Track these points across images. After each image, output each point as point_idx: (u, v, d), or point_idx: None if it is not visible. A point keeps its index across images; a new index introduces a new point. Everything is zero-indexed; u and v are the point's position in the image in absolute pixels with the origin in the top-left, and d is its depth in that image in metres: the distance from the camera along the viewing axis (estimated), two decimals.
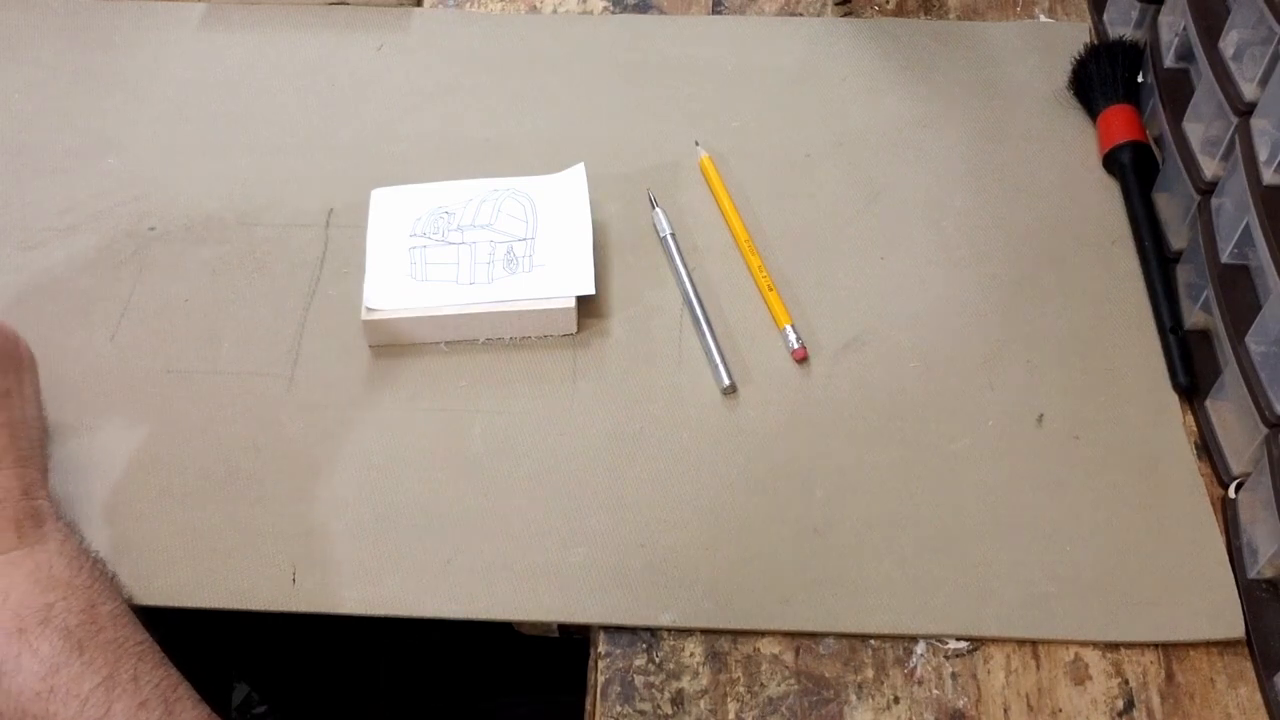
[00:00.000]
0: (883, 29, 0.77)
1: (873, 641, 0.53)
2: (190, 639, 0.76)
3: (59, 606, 0.48)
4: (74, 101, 0.73)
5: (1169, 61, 0.66)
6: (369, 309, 0.61)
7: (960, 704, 0.51)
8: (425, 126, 0.72)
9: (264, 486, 0.57)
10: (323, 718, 0.88)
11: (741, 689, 0.51)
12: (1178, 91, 0.64)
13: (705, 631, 0.53)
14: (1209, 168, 0.60)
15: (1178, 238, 0.64)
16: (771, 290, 0.63)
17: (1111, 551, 0.54)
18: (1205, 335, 0.61)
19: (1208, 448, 0.58)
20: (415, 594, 0.54)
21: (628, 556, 0.54)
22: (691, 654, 0.52)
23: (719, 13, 0.79)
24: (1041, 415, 0.59)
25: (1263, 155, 0.53)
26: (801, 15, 0.78)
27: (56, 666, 0.47)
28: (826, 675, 0.52)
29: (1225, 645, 0.52)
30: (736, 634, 0.53)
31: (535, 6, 0.79)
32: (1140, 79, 0.70)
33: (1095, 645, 0.53)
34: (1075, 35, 0.76)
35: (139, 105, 0.73)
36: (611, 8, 0.79)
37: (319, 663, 0.84)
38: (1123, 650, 0.52)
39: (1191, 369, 0.60)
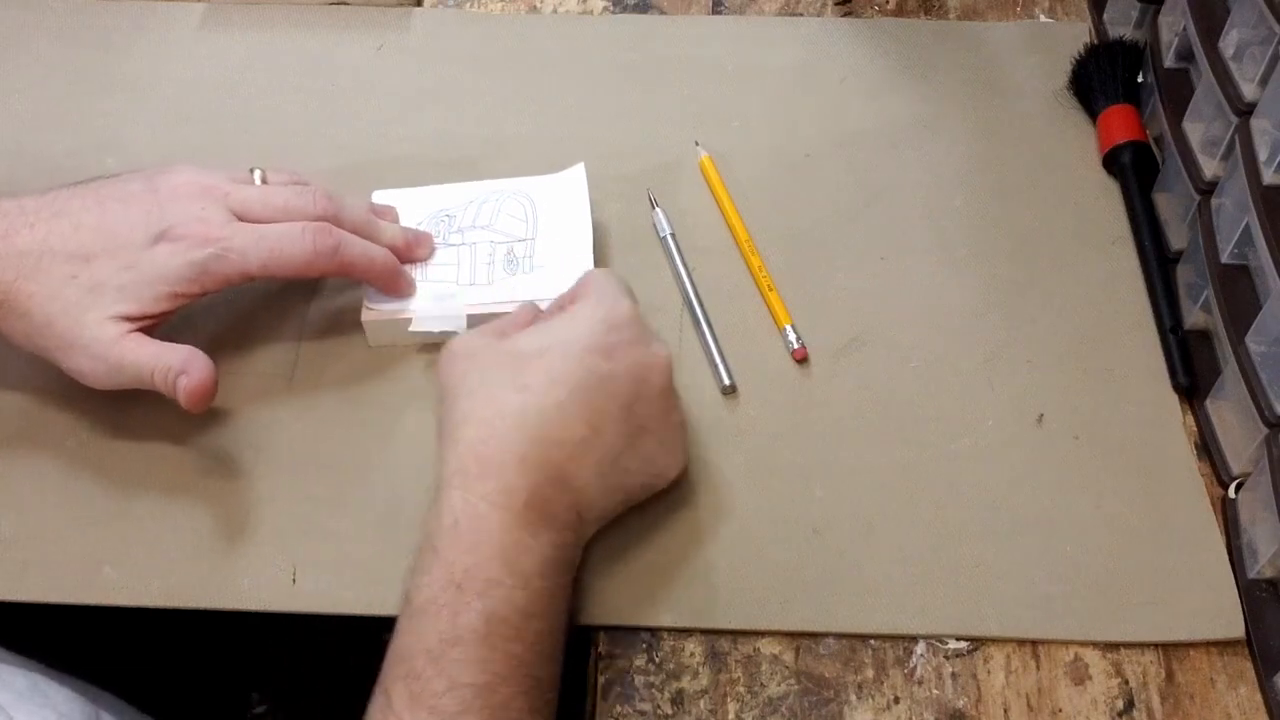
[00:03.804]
0: (883, 29, 0.77)
1: (873, 641, 0.53)
2: (203, 644, 0.77)
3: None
4: (74, 101, 0.73)
5: (1169, 61, 0.66)
6: (369, 309, 0.61)
7: (960, 704, 0.51)
8: (425, 126, 0.72)
9: (264, 486, 0.57)
10: (322, 718, 0.88)
11: (741, 689, 0.51)
12: (1178, 91, 0.64)
13: (705, 631, 0.53)
14: (1209, 168, 0.60)
15: (1178, 238, 0.64)
16: (771, 290, 0.63)
17: (1111, 551, 0.54)
18: (1205, 335, 0.61)
19: (1208, 448, 0.58)
20: None
21: (629, 556, 0.54)
22: (691, 654, 0.52)
23: (719, 13, 0.79)
24: (1041, 415, 0.59)
25: (1263, 155, 0.53)
26: (801, 15, 0.78)
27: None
28: (826, 675, 0.52)
29: (1225, 645, 0.52)
30: (736, 634, 0.53)
31: (535, 6, 0.79)
32: (1140, 79, 0.70)
33: (1095, 645, 0.53)
34: (1075, 35, 0.76)
35: (139, 105, 0.73)
36: (611, 8, 0.79)
37: (319, 663, 0.84)
38: (1123, 650, 0.52)
39: (1191, 369, 0.60)
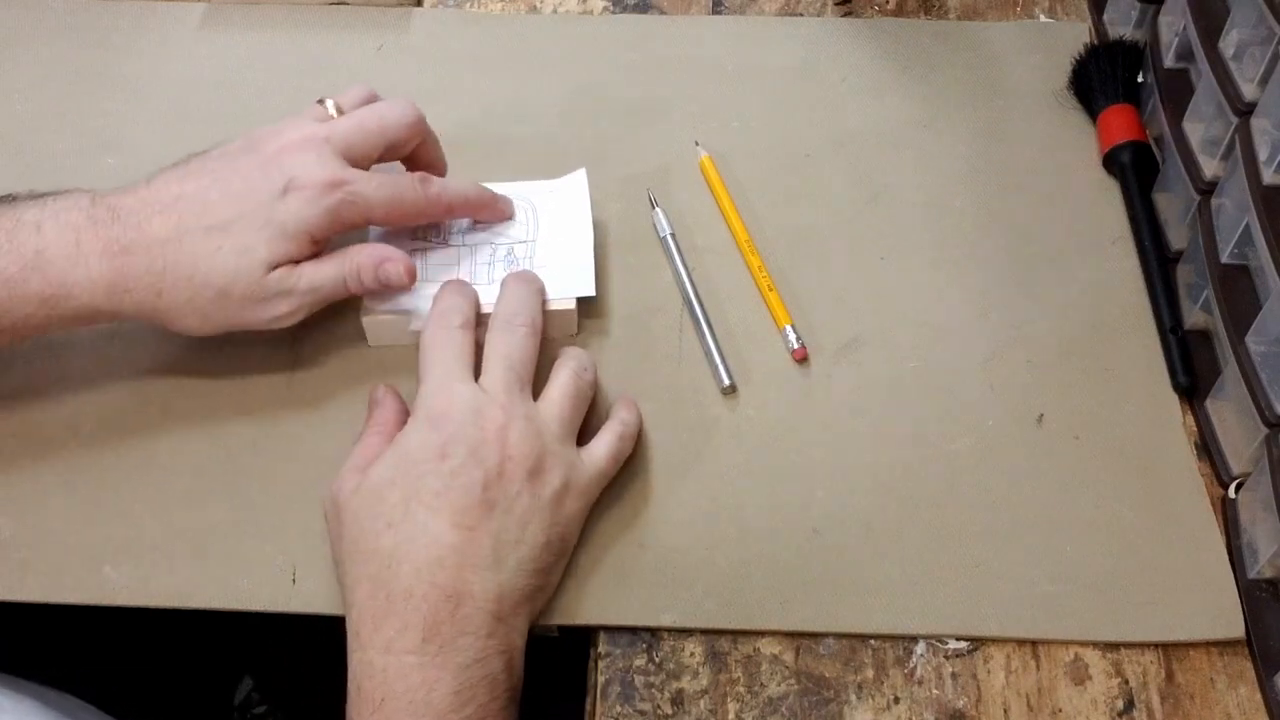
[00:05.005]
0: (883, 29, 0.77)
1: (873, 641, 0.53)
2: (193, 638, 0.77)
3: None
4: (74, 101, 0.73)
5: (1169, 61, 0.66)
6: (369, 309, 0.61)
7: (960, 704, 0.51)
8: None
9: (264, 486, 0.57)
10: (322, 718, 0.88)
11: (741, 689, 0.51)
12: (1178, 91, 0.64)
13: (705, 631, 0.53)
14: (1209, 168, 0.60)
15: (1178, 238, 0.64)
16: (771, 290, 0.63)
17: (1111, 551, 0.55)
18: (1205, 335, 0.61)
19: (1208, 448, 0.58)
20: None
21: (628, 556, 0.54)
22: (691, 654, 0.52)
23: (719, 13, 0.79)
24: (1041, 415, 0.59)
25: (1263, 155, 0.53)
26: (801, 15, 0.78)
27: None
28: (826, 675, 0.52)
29: (1225, 645, 0.52)
30: (736, 634, 0.53)
31: (535, 6, 0.79)
32: (1140, 79, 0.70)
33: (1095, 645, 0.53)
34: (1075, 35, 0.76)
35: (139, 105, 0.73)
36: (611, 8, 0.79)
37: (319, 663, 0.84)
38: (1123, 650, 0.52)
39: (1191, 369, 0.60)
